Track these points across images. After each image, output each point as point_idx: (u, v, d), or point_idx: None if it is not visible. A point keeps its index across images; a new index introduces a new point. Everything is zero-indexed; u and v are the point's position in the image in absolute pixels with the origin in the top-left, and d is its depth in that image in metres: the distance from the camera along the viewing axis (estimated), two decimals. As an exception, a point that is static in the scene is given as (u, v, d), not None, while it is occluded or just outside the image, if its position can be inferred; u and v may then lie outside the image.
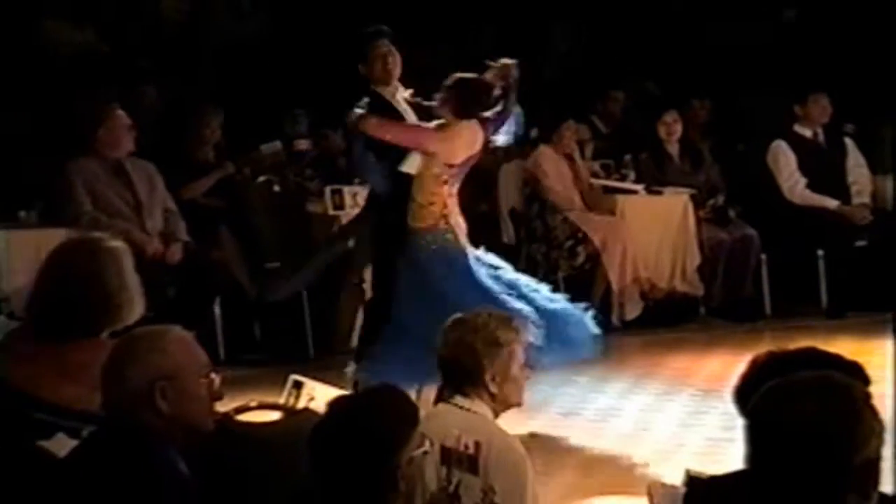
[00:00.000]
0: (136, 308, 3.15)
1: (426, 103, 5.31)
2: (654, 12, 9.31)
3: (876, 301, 7.41)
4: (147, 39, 8.76)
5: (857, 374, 2.35)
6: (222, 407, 3.01)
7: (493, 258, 5.24)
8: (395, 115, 5.25)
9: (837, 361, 2.44)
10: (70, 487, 2.49)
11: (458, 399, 3.11)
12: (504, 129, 5.22)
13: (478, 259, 5.15)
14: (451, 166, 5.07)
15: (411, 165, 5.11)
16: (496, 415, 3.13)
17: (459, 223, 5.14)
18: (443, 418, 3.07)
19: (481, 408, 3.10)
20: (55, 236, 4.85)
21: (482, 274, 5.07)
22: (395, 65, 5.31)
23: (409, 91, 5.38)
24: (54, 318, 3.08)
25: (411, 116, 5.30)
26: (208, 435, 2.59)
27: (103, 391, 2.55)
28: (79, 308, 3.05)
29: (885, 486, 2.06)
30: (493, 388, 3.08)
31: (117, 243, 3.22)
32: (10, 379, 3.03)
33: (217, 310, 6.59)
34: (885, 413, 4.50)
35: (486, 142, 5.22)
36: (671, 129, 7.67)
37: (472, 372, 3.08)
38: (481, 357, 3.07)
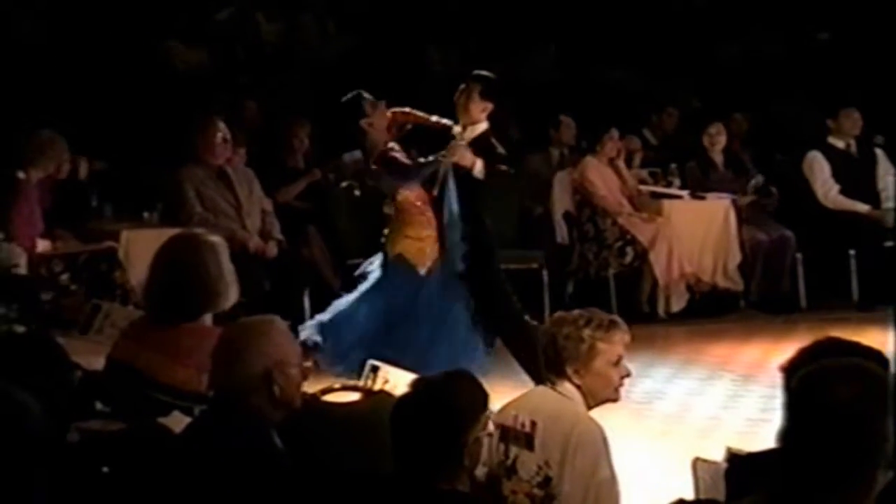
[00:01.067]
0: (232, 295, 3.24)
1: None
2: (698, 33, 9.24)
3: (902, 296, 7.32)
4: (249, 59, 8.91)
5: (880, 361, 2.34)
6: (310, 388, 3.10)
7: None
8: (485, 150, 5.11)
9: (860, 348, 2.43)
10: (185, 461, 2.55)
11: (551, 384, 3.10)
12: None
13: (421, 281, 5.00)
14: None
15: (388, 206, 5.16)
16: (588, 406, 3.06)
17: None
18: (536, 396, 3.08)
19: (569, 390, 3.06)
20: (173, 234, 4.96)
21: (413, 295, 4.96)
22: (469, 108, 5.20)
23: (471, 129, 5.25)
24: (164, 303, 3.18)
25: (459, 151, 5.19)
26: (297, 413, 2.64)
27: (218, 374, 2.59)
28: (184, 294, 3.14)
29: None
30: (577, 380, 3.05)
31: (216, 238, 3.31)
32: (134, 363, 3.14)
33: (306, 301, 6.67)
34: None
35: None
36: (715, 140, 7.67)
37: (555, 362, 3.07)
38: (561, 350, 3.06)
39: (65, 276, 5.93)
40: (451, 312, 4.96)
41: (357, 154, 8.04)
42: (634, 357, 6.05)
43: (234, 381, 2.55)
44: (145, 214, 6.77)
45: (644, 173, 7.84)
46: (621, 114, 8.01)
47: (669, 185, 7.64)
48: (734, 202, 7.48)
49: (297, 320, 5.95)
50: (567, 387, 3.06)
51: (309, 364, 2.78)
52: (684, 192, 7.54)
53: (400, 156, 5.12)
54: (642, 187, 7.61)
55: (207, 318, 3.24)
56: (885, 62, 8.86)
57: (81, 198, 6.90)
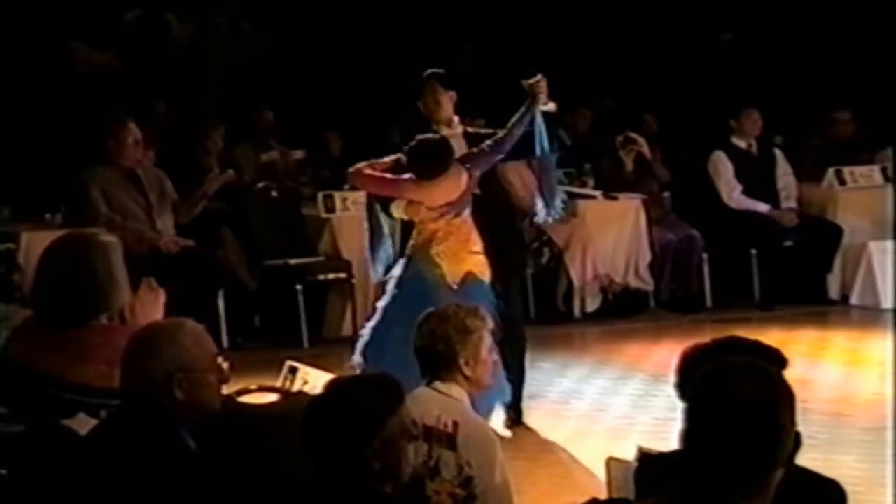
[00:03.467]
0: (123, 296, 3.15)
1: (482, 131, 5.11)
2: (610, 33, 9.34)
3: (801, 295, 7.51)
4: (157, 60, 8.75)
5: (775, 359, 2.36)
6: (226, 389, 3.00)
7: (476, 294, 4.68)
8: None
9: (759, 348, 2.45)
10: (91, 462, 2.48)
11: (437, 384, 3.11)
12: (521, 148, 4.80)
13: (452, 294, 4.62)
14: (434, 209, 4.75)
15: (397, 211, 4.86)
16: (471, 397, 3.13)
17: (450, 254, 4.69)
18: (424, 401, 3.06)
19: (458, 392, 3.10)
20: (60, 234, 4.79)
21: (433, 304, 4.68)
22: (443, 105, 5.09)
23: (460, 127, 5.13)
24: (50, 304, 3.07)
25: (459, 145, 4.99)
26: (215, 414, 2.58)
27: (124, 377, 2.55)
28: (70, 295, 3.04)
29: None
30: (468, 371, 3.08)
31: (108, 238, 3.20)
32: (33, 364, 3.01)
33: (221, 302, 6.54)
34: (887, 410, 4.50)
35: (482, 175, 4.85)
36: (628, 141, 7.72)
37: (448, 357, 3.08)
38: (454, 343, 3.07)
39: (-38, 279, 5.71)
40: None
41: (274, 154, 7.98)
42: (552, 357, 6.15)
43: (140, 384, 2.51)
44: (47, 216, 6.62)
45: (560, 174, 7.86)
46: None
47: (584, 185, 7.68)
48: (644, 202, 7.56)
49: (212, 321, 5.83)
50: (454, 387, 3.07)
51: (226, 367, 2.68)
52: (597, 193, 7.59)
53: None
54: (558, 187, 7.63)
55: (103, 319, 3.13)
56: (784, 63, 9.11)
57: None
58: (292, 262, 6.99)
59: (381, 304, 4.74)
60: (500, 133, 4.85)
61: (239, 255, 6.98)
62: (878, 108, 8.20)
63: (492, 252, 4.80)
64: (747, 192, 7.68)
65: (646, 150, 7.71)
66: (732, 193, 7.70)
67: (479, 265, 4.73)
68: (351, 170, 4.95)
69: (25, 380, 3.00)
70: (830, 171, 7.85)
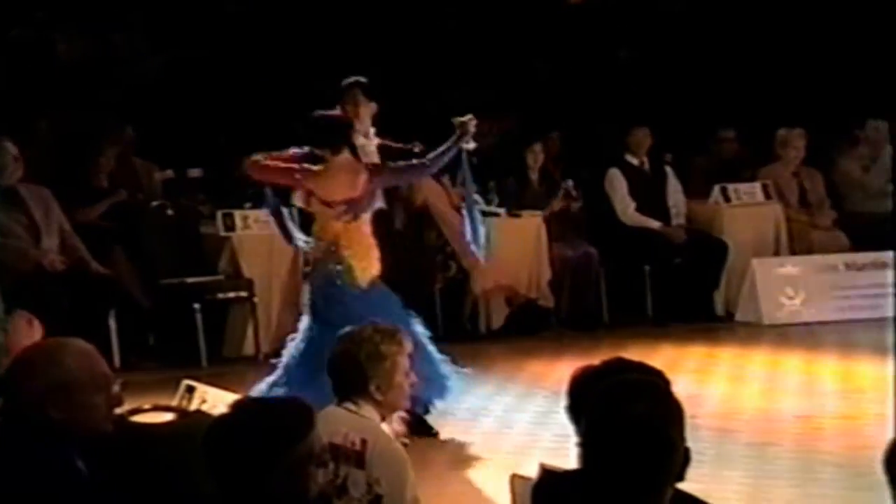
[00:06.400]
0: None
1: (396, 145, 5.08)
2: (514, 50, 9.37)
3: (690, 311, 7.61)
4: (42, 78, 8.48)
5: (659, 378, 2.33)
6: (117, 409, 2.82)
7: (387, 297, 4.79)
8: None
9: (644, 369, 2.43)
10: None
11: (347, 403, 3.01)
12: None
13: (365, 296, 4.69)
14: (329, 204, 4.75)
15: (297, 199, 4.90)
16: (383, 418, 3.03)
17: (358, 256, 4.72)
18: (332, 419, 2.94)
19: (368, 411, 3.00)
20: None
21: (358, 309, 4.48)
22: (361, 114, 5.13)
23: (377, 140, 5.16)
24: None
25: (372, 157, 5.04)
26: (107, 435, 2.42)
27: (8, 393, 2.41)
28: None
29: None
30: (378, 396, 2.99)
31: None
32: None
33: (112, 321, 6.29)
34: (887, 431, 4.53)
35: (386, 187, 4.95)
36: (537, 158, 7.74)
37: (357, 382, 2.99)
38: (365, 369, 2.97)
39: None
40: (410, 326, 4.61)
41: (169, 173, 7.75)
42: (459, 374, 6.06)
43: (16, 403, 2.38)
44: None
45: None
46: (442, 130, 7.99)
47: (489, 202, 7.65)
48: (545, 218, 7.56)
49: (102, 340, 5.59)
50: (367, 407, 2.99)
51: (117, 388, 2.51)
52: (501, 210, 7.57)
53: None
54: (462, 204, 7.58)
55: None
56: (673, 81, 9.26)
57: None
58: (190, 280, 6.81)
59: (300, 326, 4.65)
60: (418, 161, 4.85)
61: (131, 274, 6.77)
62: (759, 126, 8.41)
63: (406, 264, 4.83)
64: (640, 209, 7.76)
65: (576, 205, 7.69)
66: (627, 210, 7.76)
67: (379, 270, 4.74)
68: (248, 160, 4.84)
69: None
70: (716, 189, 7.98)
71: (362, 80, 5.22)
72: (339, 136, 4.78)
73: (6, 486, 2.26)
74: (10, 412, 2.37)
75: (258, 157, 4.81)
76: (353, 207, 4.75)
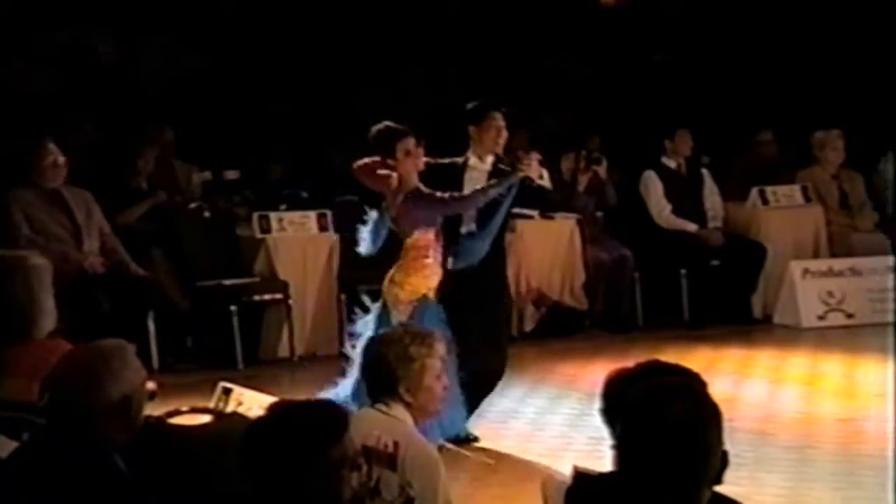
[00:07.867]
0: (46, 323, 3.03)
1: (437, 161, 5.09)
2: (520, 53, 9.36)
3: (727, 314, 7.57)
4: (87, 80, 8.60)
5: (695, 380, 2.32)
6: (156, 411, 2.87)
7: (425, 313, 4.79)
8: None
9: (678, 369, 2.42)
10: (16, 487, 2.35)
11: (381, 405, 3.05)
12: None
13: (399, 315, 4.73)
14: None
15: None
16: (416, 421, 3.06)
17: (405, 271, 4.78)
18: (365, 420, 2.99)
19: (400, 413, 3.03)
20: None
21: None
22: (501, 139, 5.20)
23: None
24: None
25: (479, 182, 5.07)
26: (140, 436, 2.48)
27: (69, 398, 2.42)
28: None
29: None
30: (408, 398, 3.02)
31: (37, 261, 3.10)
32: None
33: (151, 323, 6.36)
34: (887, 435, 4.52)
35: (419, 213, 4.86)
36: (571, 166, 7.70)
37: (387, 383, 3.02)
38: (394, 369, 3.01)
39: None
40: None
41: (207, 175, 7.83)
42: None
43: (90, 407, 2.41)
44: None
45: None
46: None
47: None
48: (579, 222, 7.55)
49: (141, 342, 5.66)
50: (399, 409, 3.02)
51: (153, 386, 2.56)
52: (534, 212, 7.57)
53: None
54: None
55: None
56: (710, 85, 9.22)
57: None
58: (226, 282, 6.86)
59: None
60: (450, 195, 4.85)
61: (170, 276, 6.84)
62: (798, 129, 8.35)
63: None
64: (676, 211, 7.73)
65: (603, 170, 7.71)
66: (662, 213, 7.74)
67: (429, 286, 4.79)
68: (356, 163, 4.94)
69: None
70: (754, 191, 7.94)
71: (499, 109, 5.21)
72: (397, 132, 4.83)
73: (52, 489, 2.29)
74: (77, 414, 2.38)
75: (366, 160, 4.87)
76: (396, 223, 4.84)
